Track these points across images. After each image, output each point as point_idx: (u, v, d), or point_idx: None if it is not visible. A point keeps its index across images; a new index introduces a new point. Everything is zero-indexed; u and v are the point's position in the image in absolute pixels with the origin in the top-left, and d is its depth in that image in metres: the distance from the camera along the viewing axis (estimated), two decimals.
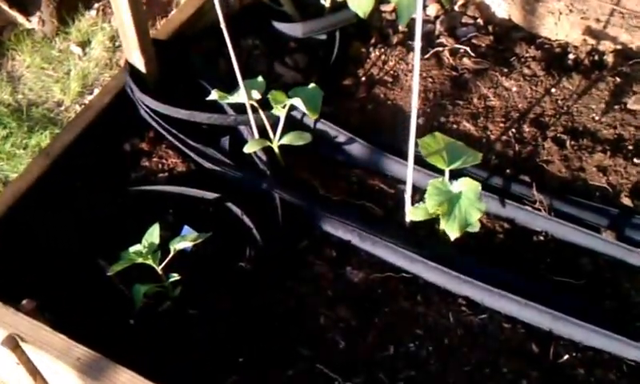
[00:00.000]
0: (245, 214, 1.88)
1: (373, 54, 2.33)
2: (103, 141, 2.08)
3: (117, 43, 2.87)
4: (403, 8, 1.78)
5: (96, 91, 2.73)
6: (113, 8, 2.05)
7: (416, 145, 1.67)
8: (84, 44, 2.92)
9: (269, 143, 1.95)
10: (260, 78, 1.96)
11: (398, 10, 1.80)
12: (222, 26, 1.74)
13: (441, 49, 2.31)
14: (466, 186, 1.66)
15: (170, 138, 2.07)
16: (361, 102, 2.21)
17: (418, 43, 1.44)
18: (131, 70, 2.13)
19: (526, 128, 2.07)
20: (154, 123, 2.09)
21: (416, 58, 1.47)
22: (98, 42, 2.88)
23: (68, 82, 2.78)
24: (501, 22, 2.42)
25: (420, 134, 1.71)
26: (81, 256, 1.83)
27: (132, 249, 1.69)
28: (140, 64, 2.10)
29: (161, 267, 1.67)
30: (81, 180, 2.03)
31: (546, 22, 2.31)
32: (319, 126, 2.08)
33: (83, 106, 2.30)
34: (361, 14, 2.02)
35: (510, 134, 2.06)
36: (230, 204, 1.91)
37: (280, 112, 1.91)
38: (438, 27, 2.38)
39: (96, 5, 3.03)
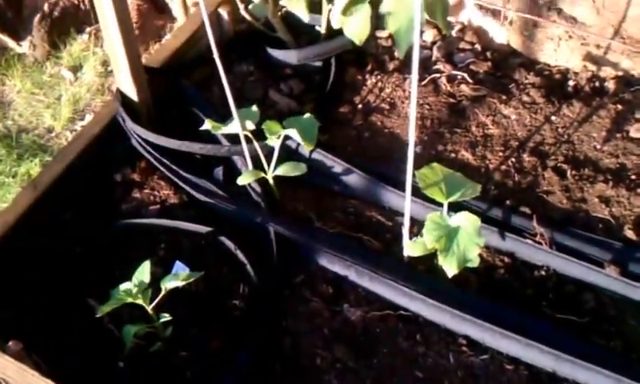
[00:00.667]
0: (238, 248, 1.83)
1: (369, 81, 2.29)
2: (93, 171, 2.03)
3: (109, 68, 2.82)
4: (401, 37, 1.75)
5: (87, 117, 2.68)
6: (104, 35, 2.01)
7: (414, 175, 1.62)
8: (75, 69, 2.87)
9: (263, 174, 1.91)
10: (254, 108, 1.91)
11: (395, 39, 1.77)
12: (215, 54, 1.69)
13: (438, 75, 2.27)
14: (465, 220, 1.61)
15: (162, 168, 2.02)
16: (357, 129, 2.17)
17: (414, 74, 1.39)
18: (122, 98, 2.08)
19: (525, 157, 2.03)
20: (145, 153, 2.05)
21: (413, 88, 1.43)
22: (90, 67, 2.83)
23: (59, 107, 2.73)
24: (499, 47, 2.38)
25: (418, 163, 1.66)
26: (69, 293, 1.78)
27: (122, 287, 1.63)
28: (132, 92, 2.06)
29: (151, 306, 1.62)
30: (70, 212, 1.97)
31: (546, 47, 2.28)
32: (315, 155, 2.03)
33: (74, 134, 2.25)
34: (356, 42, 1.99)
35: (510, 163, 2.02)
36: (223, 238, 1.86)
37: (274, 142, 1.87)
38: (435, 53, 2.35)
39: (88, 29, 2.98)
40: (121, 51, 1.97)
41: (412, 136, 1.52)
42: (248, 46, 2.40)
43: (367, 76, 2.31)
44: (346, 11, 1.86)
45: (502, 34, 2.37)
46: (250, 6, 2.29)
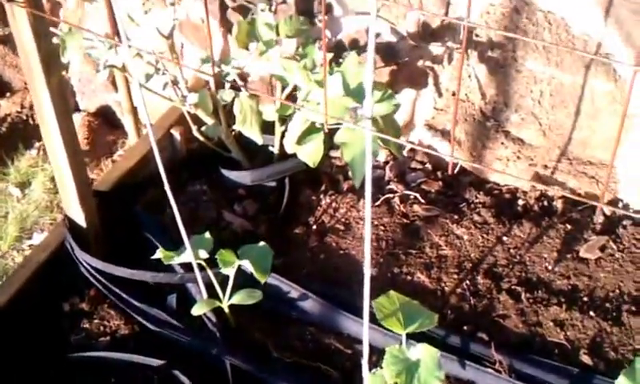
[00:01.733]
0: (193, 383, 1.77)
1: (324, 202, 2.30)
2: (40, 301, 1.96)
3: None
4: (356, 167, 1.76)
5: (35, 235, 2.62)
6: (50, 159, 1.98)
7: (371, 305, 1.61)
8: (23, 185, 2.82)
9: (218, 303, 1.87)
10: (207, 235, 1.89)
11: (350, 168, 1.79)
12: (166, 186, 1.67)
13: (391, 195, 2.29)
14: (425, 353, 1.59)
15: (113, 297, 1.97)
16: (312, 251, 2.16)
17: (368, 208, 1.40)
18: (70, 224, 2.04)
19: (480, 279, 2.04)
20: (95, 282, 2.00)
21: (367, 223, 1.43)
22: (39, 183, 2.79)
23: (5, 225, 2.66)
24: (448, 166, 2.42)
25: (374, 286, 1.63)
26: None
27: None
28: (80, 219, 2.02)
29: None
30: (15, 346, 1.90)
31: (494, 167, 2.33)
32: (270, 280, 2.00)
33: (18, 263, 2.18)
34: (310, 164, 2.01)
35: (465, 286, 2.03)
36: (177, 372, 1.80)
37: (229, 271, 1.84)
38: (388, 173, 2.38)
39: (37, 143, 2.95)
40: (68, 177, 1.94)
41: (367, 269, 1.51)
42: (201, 165, 2.40)
43: (321, 196, 2.32)
44: (300, 141, 1.88)
45: (449, 151, 2.41)
46: (202, 128, 2.30)
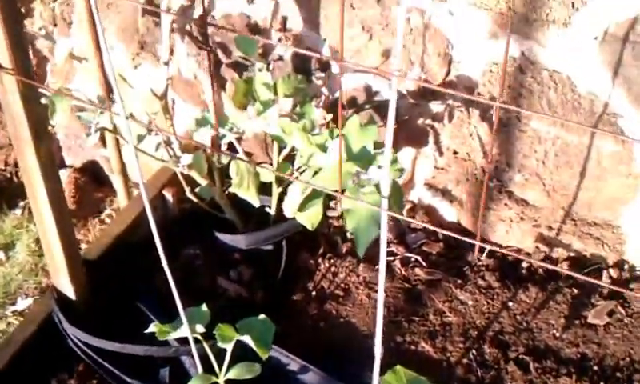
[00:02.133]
0: None
1: (322, 266, 2.22)
2: (26, 379, 1.85)
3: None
4: (361, 235, 1.69)
5: (19, 300, 2.51)
6: (37, 228, 1.89)
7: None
8: (7, 247, 2.72)
9: (214, 378, 1.77)
10: (204, 307, 1.80)
11: (354, 237, 1.71)
12: (163, 262, 1.59)
13: (392, 258, 2.22)
14: None
15: (102, 372, 1.87)
16: (312, 319, 2.07)
17: (381, 285, 1.32)
18: (58, 295, 1.94)
19: (486, 348, 1.96)
20: (83, 356, 1.89)
21: (379, 300, 1.35)
22: (23, 246, 2.68)
23: None
24: (450, 226, 2.36)
25: None
26: None
27: None
28: (68, 289, 1.92)
29: None
30: None
31: (497, 228, 2.27)
32: (270, 351, 1.91)
33: (4, 338, 2.07)
34: (309, 227, 1.94)
35: (471, 356, 1.95)
36: None
37: (226, 345, 1.75)
38: (388, 234, 2.30)
39: (21, 203, 2.85)
40: (57, 246, 1.84)
41: (378, 350, 1.43)
42: (194, 227, 2.31)
43: (320, 259, 2.24)
44: (302, 208, 1.81)
45: (452, 213, 2.35)
46: (197, 189, 2.22)
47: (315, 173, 1.81)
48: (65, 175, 2.91)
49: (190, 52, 2.53)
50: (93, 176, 2.96)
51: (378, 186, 1.66)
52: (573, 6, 1.79)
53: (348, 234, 2.32)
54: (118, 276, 2.07)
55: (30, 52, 2.98)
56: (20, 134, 1.60)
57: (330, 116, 2.02)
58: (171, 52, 2.60)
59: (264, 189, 2.17)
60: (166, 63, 1.84)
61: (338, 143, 1.71)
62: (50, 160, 1.68)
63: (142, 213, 2.23)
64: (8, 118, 1.61)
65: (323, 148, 1.78)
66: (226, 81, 2.51)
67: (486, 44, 1.98)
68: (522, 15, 1.86)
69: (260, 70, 1.93)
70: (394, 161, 1.77)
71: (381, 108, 2.22)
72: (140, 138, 2.02)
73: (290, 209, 1.91)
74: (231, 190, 2.02)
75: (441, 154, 2.27)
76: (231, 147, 2.00)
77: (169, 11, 1.80)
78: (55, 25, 2.72)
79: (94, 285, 1.99)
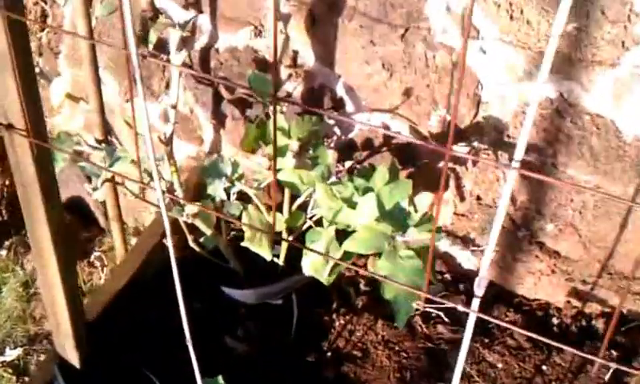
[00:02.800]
0: None
1: (337, 322, 2.03)
2: None
3: (31, 291, 2.47)
4: (401, 307, 1.51)
5: (7, 351, 2.30)
6: (43, 294, 1.69)
7: None
8: None
9: None
10: (220, 380, 1.61)
11: (392, 307, 1.53)
12: (184, 318, 1.39)
13: (412, 314, 2.04)
14: None
15: None
16: None
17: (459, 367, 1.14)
18: (60, 362, 1.74)
19: None
20: None
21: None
22: (10, 290, 2.46)
23: None
24: (469, 274, 2.19)
25: None
26: None
27: None
28: (73, 357, 1.72)
29: None
30: None
31: (525, 281, 2.10)
32: None
33: None
34: (326, 283, 1.76)
35: None
36: None
37: None
38: None
39: (6, 242, 2.63)
40: (64, 314, 1.64)
41: None
42: (196, 279, 2.11)
43: (334, 315, 2.05)
44: (332, 273, 1.63)
45: (471, 261, 2.18)
46: (201, 239, 2.03)
47: (341, 231, 1.63)
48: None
49: (187, 85, 2.34)
50: (79, 213, 2.74)
51: (417, 250, 1.48)
52: (623, 46, 1.63)
53: (361, 285, 2.14)
54: (120, 338, 1.87)
55: None
56: (30, 199, 1.41)
57: (348, 163, 1.85)
58: (167, 85, 2.42)
59: None
60: (174, 107, 1.65)
61: (370, 200, 1.54)
62: (62, 226, 1.49)
63: (142, 265, 2.02)
64: (17, 182, 1.42)
65: (350, 203, 1.60)
66: (226, 117, 2.32)
67: (519, 84, 1.82)
68: (565, 55, 1.70)
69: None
70: (429, 219, 1.59)
71: (399, 151, 2.05)
72: (142, 188, 1.83)
73: (309, 268, 1.72)
74: (243, 244, 1.83)
75: (462, 199, 2.10)
76: (243, 199, 1.81)
77: (180, 65, 1.61)
78: (41, 54, 2.51)
79: (96, 349, 1.79)
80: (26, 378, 2.16)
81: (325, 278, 1.74)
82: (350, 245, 1.51)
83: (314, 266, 1.69)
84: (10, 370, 2.23)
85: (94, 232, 2.68)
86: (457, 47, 1.82)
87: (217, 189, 1.58)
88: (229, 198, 1.81)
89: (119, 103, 2.51)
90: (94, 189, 1.66)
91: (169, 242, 1.03)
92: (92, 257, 2.57)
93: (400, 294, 1.47)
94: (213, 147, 2.46)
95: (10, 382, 2.20)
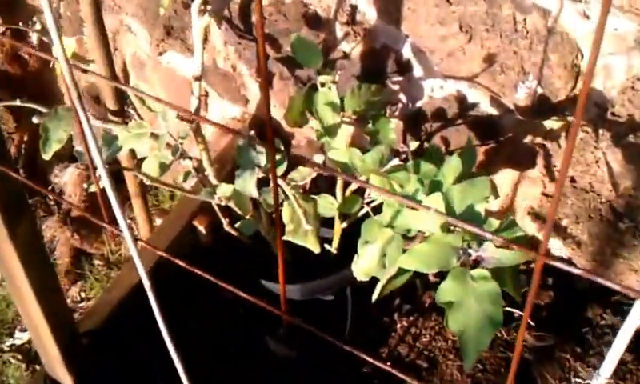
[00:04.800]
0: None
1: (399, 324, 1.73)
2: None
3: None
4: (469, 344, 1.18)
5: (17, 333, 2.08)
6: (25, 322, 1.44)
7: None
8: None
9: None
10: None
11: (461, 342, 1.21)
12: None
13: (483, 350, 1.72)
14: None
15: None
16: None
17: None
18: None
19: None
20: None
21: None
22: None
23: None
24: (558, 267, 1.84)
25: None
26: None
27: None
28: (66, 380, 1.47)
29: None
30: None
31: (625, 277, 1.74)
32: None
33: None
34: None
35: None
36: None
37: None
38: None
39: None
40: (49, 339, 1.39)
41: None
42: (232, 268, 1.83)
43: (395, 315, 1.75)
44: (389, 285, 1.32)
45: (562, 252, 1.84)
46: (237, 224, 1.74)
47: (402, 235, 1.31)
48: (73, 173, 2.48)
49: (228, 40, 2.02)
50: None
51: (494, 270, 1.15)
52: None
53: (430, 277, 1.82)
54: (122, 354, 1.62)
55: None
56: None
57: (414, 144, 1.51)
58: (205, 39, 2.10)
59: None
60: (198, 79, 1.33)
61: (437, 202, 1.21)
62: (32, 243, 1.20)
63: (167, 250, 1.75)
64: None
65: (413, 200, 1.27)
66: (274, 75, 2.00)
67: (628, 55, 1.45)
68: None
69: (323, 85, 1.42)
70: (512, 224, 1.24)
71: (478, 124, 1.70)
72: (163, 168, 1.54)
73: (361, 272, 1.42)
74: (285, 238, 1.53)
75: (552, 179, 1.75)
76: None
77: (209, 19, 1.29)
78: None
79: (97, 367, 1.53)
80: (37, 366, 1.93)
81: (375, 296, 1.45)
82: (407, 261, 1.19)
83: (366, 272, 1.39)
84: (20, 356, 2.00)
85: (124, 193, 2.41)
86: (553, 10, 1.45)
87: (247, 183, 1.27)
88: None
89: (151, 55, 2.21)
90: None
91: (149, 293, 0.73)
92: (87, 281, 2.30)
93: (470, 328, 1.14)
94: (258, 108, 2.15)
95: (20, 370, 1.98)
